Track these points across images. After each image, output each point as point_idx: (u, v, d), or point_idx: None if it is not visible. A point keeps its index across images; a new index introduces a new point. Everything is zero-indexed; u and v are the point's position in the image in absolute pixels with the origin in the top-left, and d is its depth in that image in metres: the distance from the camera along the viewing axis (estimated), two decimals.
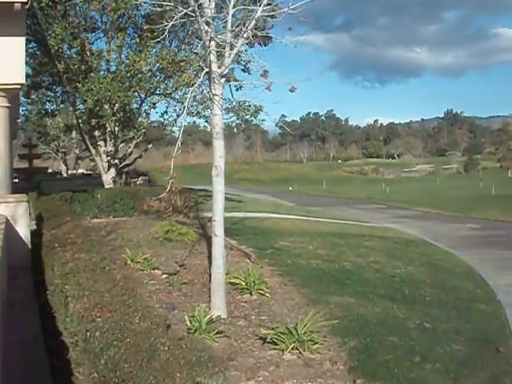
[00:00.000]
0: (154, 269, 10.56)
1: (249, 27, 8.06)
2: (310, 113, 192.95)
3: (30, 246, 10.19)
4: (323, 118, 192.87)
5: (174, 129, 24.65)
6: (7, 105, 11.50)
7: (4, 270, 5.73)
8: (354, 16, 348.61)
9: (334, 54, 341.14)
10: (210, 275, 10.03)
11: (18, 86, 11.69)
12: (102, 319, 4.75)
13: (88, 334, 4.52)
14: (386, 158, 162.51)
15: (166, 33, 8.76)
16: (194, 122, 67.86)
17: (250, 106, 21.11)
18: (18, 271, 9.08)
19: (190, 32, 19.72)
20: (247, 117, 22.16)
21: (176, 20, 8.51)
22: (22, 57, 11.31)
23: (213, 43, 8.05)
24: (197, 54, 19.91)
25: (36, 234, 10.77)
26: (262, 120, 22.66)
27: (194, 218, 17.31)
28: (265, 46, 10.34)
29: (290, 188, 73.45)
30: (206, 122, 22.55)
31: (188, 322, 7.55)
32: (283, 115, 72.40)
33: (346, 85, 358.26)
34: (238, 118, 22.56)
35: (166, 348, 4.46)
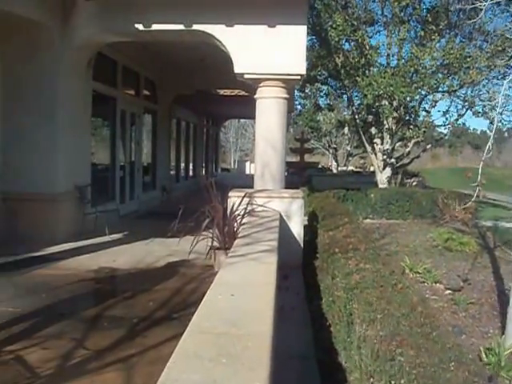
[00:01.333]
0: (435, 282, 9.41)
1: None
2: None
3: (302, 246, 9.61)
4: None
5: (443, 130, 23.31)
6: (286, 96, 11.05)
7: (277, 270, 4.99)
8: None
9: None
10: (498, 295, 8.72)
11: (298, 77, 11.15)
12: (405, 359, 3.62)
13: (392, 381, 3.47)
14: None
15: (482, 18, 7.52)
16: (464, 123, 65.04)
17: None
18: (289, 271, 8.48)
19: (476, 26, 18.54)
20: None
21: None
22: (303, 47, 10.75)
23: None
24: (482, 49, 18.54)
25: (307, 233, 10.17)
26: None
27: (472, 226, 15.81)
28: None
29: None
30: (491, 123, 20.71)
31: (484, 356, 6.30)
32: None
33: None
34: None
35: None
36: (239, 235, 7.29)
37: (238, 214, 8.98)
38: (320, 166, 39.46)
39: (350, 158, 42.60)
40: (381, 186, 20.36)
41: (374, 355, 3.84)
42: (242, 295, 4.02)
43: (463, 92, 20.28)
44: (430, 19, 18.67)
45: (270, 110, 10.84)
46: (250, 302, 3.89)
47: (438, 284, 9.38)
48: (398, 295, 4.91)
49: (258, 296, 4.04)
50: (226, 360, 2.76)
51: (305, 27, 10.76)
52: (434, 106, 21.09)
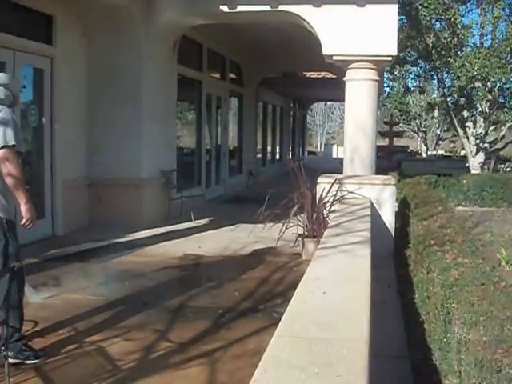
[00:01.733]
0: None
1: None
2: None
3: (393, 235, 9.22)
4: None
5: None
6: (376, 78, 10.64)
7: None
8: None
9: None
10: None
11: (389, 59, 10.77)
12: None
13: None
14: None
15: None
16: None
17: None
18: (379, 261, 8.10)
19: None
20: None
21: None
22: (394, 27, 10.30)
23: None
24: None
25: (398, 221, 9.77)
26: None
27: None
28: None
29: None
30: None
31: None
32: None
33: None
34: None
35: None
36: (329, 224, 7.00)
37: (327, 201, 8.69)
38: (409, 150, 38.58)
39: (440, 142, 41.37)
40: (473, 171, 19.70)
41: (478, 364, 3.44)
42: (334, 293, 3.73)
43: None
44: None
45: (359, 92, 10.46)
46: (343, 301, 3.60)
47: None
48: (501, 295, 4.47)
49: (351, 294, 3.76)
50: (319, 370, 2.47)
51: (395, 6, 10.33)
52: None
